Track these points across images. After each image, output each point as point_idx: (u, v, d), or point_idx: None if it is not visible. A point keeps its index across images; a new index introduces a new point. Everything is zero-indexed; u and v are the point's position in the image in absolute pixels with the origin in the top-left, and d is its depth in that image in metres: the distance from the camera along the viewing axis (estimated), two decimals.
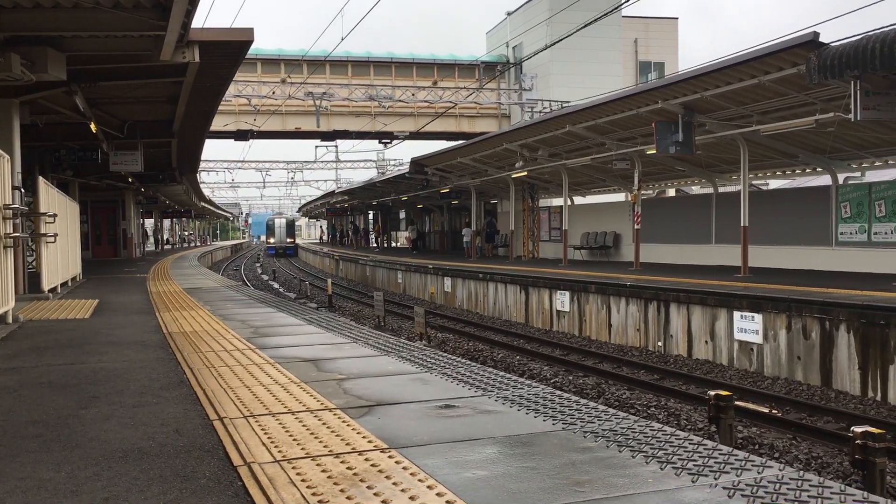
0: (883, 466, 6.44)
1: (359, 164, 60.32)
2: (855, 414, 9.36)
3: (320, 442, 3.74)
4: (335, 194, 56.98)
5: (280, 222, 72.74)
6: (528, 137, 22.14)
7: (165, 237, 59.20)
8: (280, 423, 4.12)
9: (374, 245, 56.15)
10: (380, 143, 39.89)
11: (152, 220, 52.42)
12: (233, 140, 36.41)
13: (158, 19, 10.04)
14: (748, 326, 12.24)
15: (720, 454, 3.39)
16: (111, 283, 17.43)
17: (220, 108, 20.36)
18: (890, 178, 18.34)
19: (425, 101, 36.25)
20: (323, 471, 3.28)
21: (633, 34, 39.92)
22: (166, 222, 61.72)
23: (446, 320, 20.07)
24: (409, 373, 5.59)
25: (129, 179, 28.21)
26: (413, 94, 36.10)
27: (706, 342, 13.23)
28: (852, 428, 6.76)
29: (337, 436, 3.84)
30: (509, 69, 39.29)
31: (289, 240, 71.31)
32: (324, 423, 4.10)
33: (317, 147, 52.46)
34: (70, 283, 16.31)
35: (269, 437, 3.84)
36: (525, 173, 24.65)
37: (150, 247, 48.14)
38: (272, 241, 71.46)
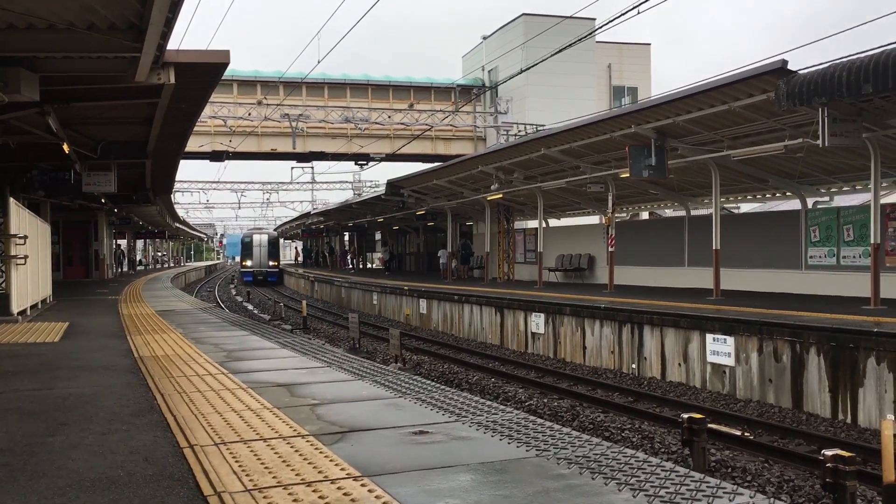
0: (853, 489, 6.50)
1: (335, 185, 60.39)
2: (826, 437, 9.45)
3: (292, 470, 3.71)
4: (311, 215, 56.80)
5: (260, 239, 57.05)
6: (504, 160, 22.28)
7: (138, 258, 58.58)
8: (252, 451, 4.09)
9: (350, 266, 55.91)
10: (356, 164, 39.92)
11: (125, 241, 51.92)
12: (208, 161, 36.26)
13: (133, 41, 10.01)
14: (720, 349, 12.34)
15: (692, 481, 3.41)
16: (82, 305, 17.20)
17: (196, 128, 20.28)
18: (857, 202, 18.67)
19: (401, 124, 36.38)
20: (294, 500, 3.25)
21: (606, 59, 40.42)
22: (139, 243, 61.10)
23: (421, 342, 20.02)
24: (383, 398, 5.56)
25: (102, 200, 27.95)
26: (389, 117, 36.22)
27: (679, 364, 13.32)
28: (823, 451, 6.82)
29: (309, 463, 3.82)
30: (485, 92, 39.57)
31: (271, 262, 56.81)
32: (296, 451, 4.07)
33: (293, 168, 52.35)
34: (40, 306, 16.08)
35: (240, 466, 3.80)
36: (500, 196, 24.77)
37: (126, 267, 47.56)
38: (249, 263, 56.57)
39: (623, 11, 14.15)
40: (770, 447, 9.09)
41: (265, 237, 57.62)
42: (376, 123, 36.00)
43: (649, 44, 42.86)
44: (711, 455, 8.49)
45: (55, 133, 14.76)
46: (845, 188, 17.96)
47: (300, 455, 3.97)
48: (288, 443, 4.24)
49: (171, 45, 10.96)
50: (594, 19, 34.43)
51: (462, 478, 3.52)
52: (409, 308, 26.03)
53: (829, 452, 6.61)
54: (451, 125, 38.03)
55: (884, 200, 14.80)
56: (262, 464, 3.82)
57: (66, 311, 15.41)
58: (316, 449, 4.09)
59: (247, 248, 57.53)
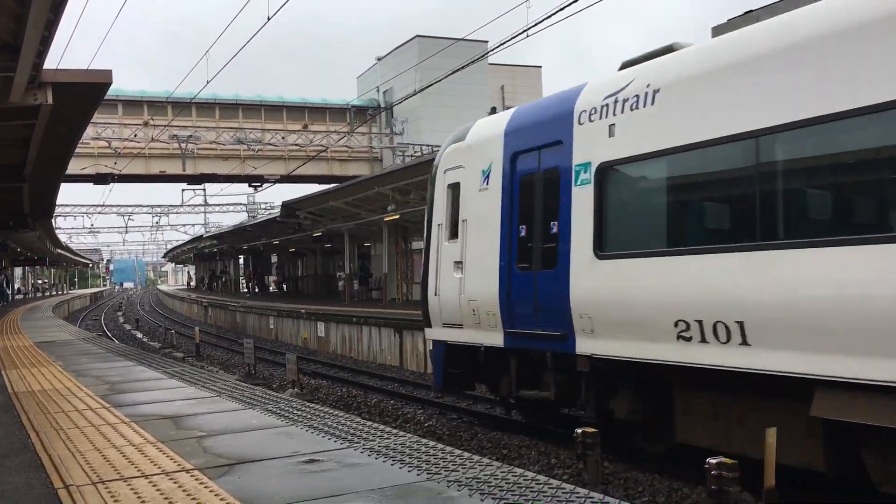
0: (737, 495, 6.76)
1: (228, 207, 58.86)
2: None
3: None
4: (203, 239, 55.28)
5: None
6: (400, 181, 22.35)
7: (17, 286, 55.53)
8: (132, 489, 3.91)
9: (246, 290, 54.62)
10: (250, 186, 39.18)
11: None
12: (92, 184, 34.82)
13: (7, 59, 9.56)
14: None
15: (577, 497, 3.47)
16: None
17: (78, 150, 19.47)
18: None
19: (296, 145, 36.03)
20: None
21: (499, 81, 41.30)
22: (18, 270, 57.93)
23: (319, 366, 19.73)
24: (275, 426, 5.44)
25: None
26: (283, 138, 35.82)
27: None
28: (708, 459, 7.07)
29: (193, 499, 3.68)
30: (380, 113, 39.69)
31: None
32: (180, 486, 3.92)
33: (183, 190, 50.67)
34: None
35: None
36: (398, 216, 24.80)
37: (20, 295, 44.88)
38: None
39: (513, 35, 14.53)
40: (659, 457, 9.36)
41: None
42: (270, 145, 35.54)
43: (540, 66, 44.13)
44: (605, 468, 8.68)
45: None
46: None
47: (184, 491, 3.83)
48: (171, 478, 4.08)
49: (50, 63, 10.53)
50: (486, 42, 35.05)
51: None
52: (306, 331, 25.64)
53: (713, 460, 6.87)
54: (346, 146, 37.92)
55: None
56: (144, 502, 3.66)
57: None
58: (201, 483, 3.96)
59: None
